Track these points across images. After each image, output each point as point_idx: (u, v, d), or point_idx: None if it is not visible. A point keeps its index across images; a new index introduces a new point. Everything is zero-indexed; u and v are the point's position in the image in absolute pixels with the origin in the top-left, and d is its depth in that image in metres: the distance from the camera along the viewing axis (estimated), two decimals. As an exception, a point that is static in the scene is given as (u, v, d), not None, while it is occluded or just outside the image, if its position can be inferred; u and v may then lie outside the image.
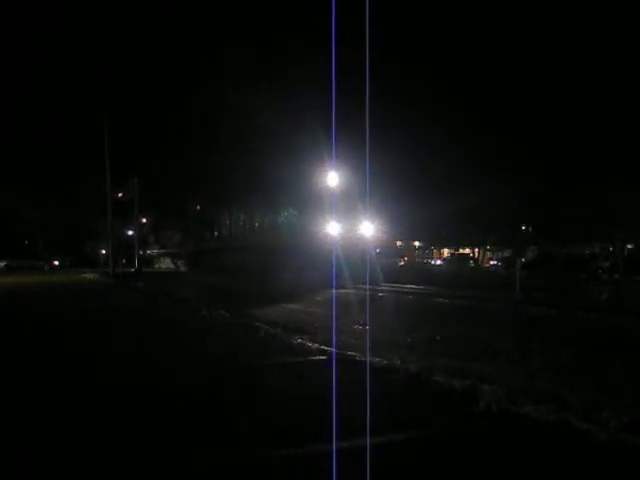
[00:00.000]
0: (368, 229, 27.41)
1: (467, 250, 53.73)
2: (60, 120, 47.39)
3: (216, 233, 55.74)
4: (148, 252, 61.02)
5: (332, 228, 25.91)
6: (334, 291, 19.23)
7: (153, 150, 45.63)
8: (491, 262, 49.44)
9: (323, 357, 7.29)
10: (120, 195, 37.76)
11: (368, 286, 19.40)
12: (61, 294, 21.05)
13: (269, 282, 23.78)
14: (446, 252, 57.84)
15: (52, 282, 28.61)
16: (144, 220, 51.65)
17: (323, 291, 19.21)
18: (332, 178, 25.15)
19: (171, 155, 44.51)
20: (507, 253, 47.91)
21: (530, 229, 44.27)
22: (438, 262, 51.94)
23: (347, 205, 26.75)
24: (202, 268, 40.15)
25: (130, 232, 44.24)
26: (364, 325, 12.21)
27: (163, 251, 61.27)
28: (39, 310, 14.75)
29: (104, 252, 50.89)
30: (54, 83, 47.46)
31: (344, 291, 20.05)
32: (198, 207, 55.38)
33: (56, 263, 60.51)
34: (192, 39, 43.44)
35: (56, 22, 48.36)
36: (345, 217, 27.28)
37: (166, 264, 59.18)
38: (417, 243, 58.88)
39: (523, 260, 32.97)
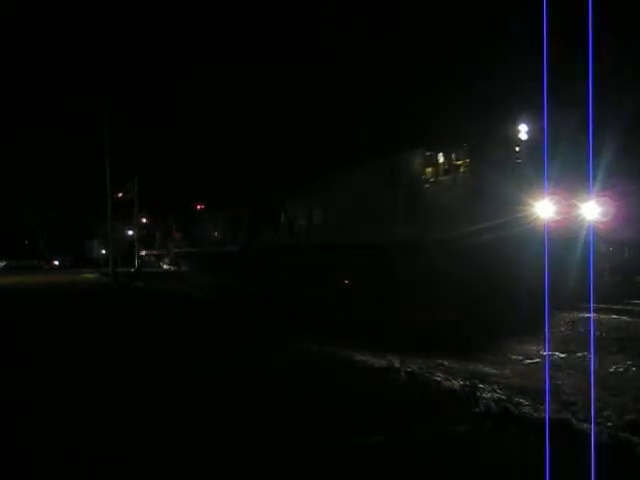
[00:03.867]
0: (592, 210, 16.33)
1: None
2: (60, 120, 47.53)
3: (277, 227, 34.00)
4: (176, 250, 52.64)
5: (543, 209, 15.97)
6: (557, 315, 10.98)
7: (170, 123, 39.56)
8: None
9: None
10: (120, 195, 37.73)
11: (594, 305, 11.65)
12: (57, 295, 21.03)
13: (426, 299, 14.15)
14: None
15: (51, 283, 28.60)
16: (144, 220, 51.17)
17: (552, 317, 10.93)
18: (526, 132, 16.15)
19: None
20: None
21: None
22: None
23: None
24: (267, 273, 27.89)
25: (130, 232, 44.24)
26: None
27: (196, 250, 46.04)
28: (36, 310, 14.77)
29: (104, 252, 50.60)
30: (54, 82, 47.64)
31: (587, 315, 11.56)
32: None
33: (56, 263, 60.68)
34: (191, 35, 42.89)
35: (57, 21, 48.46)
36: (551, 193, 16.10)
37: (192, 265, 45.38)
38: None
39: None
